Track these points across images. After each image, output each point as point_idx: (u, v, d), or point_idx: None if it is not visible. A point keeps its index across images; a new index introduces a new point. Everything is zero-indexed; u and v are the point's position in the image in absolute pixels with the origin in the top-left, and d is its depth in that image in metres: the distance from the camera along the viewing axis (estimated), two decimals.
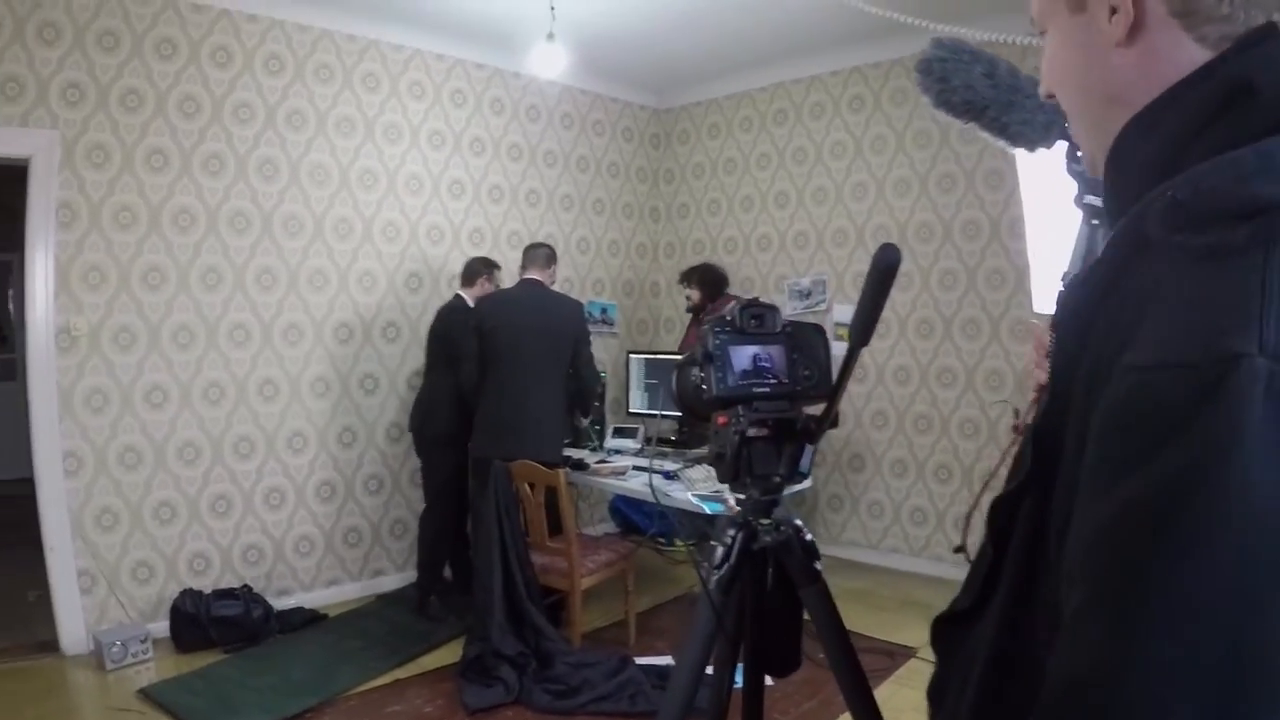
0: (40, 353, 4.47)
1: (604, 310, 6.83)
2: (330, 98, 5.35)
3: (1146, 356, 0.69)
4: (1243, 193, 0.69)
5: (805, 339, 1.67)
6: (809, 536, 1.70)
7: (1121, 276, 0.76)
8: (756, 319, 1.64)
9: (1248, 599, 0.63)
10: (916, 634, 4.69)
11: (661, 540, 6.52)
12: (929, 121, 5.65)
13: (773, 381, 1.62)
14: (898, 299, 5.78)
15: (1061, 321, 0.83)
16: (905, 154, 5.83)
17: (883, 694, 3.89)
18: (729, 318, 1.64)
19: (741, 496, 1.68)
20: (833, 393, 1.53)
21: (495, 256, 5.96)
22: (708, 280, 6.07)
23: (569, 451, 5.26)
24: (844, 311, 6.05)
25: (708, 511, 4.15)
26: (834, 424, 1.60)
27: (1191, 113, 0.80)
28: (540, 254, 4.98)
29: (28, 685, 4.28)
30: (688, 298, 6.09)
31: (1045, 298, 3.61)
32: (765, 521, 1.67)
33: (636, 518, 6.66)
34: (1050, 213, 3.22)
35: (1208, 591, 0.64)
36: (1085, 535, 0.73)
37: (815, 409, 1.65)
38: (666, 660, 4.48)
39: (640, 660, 4.42)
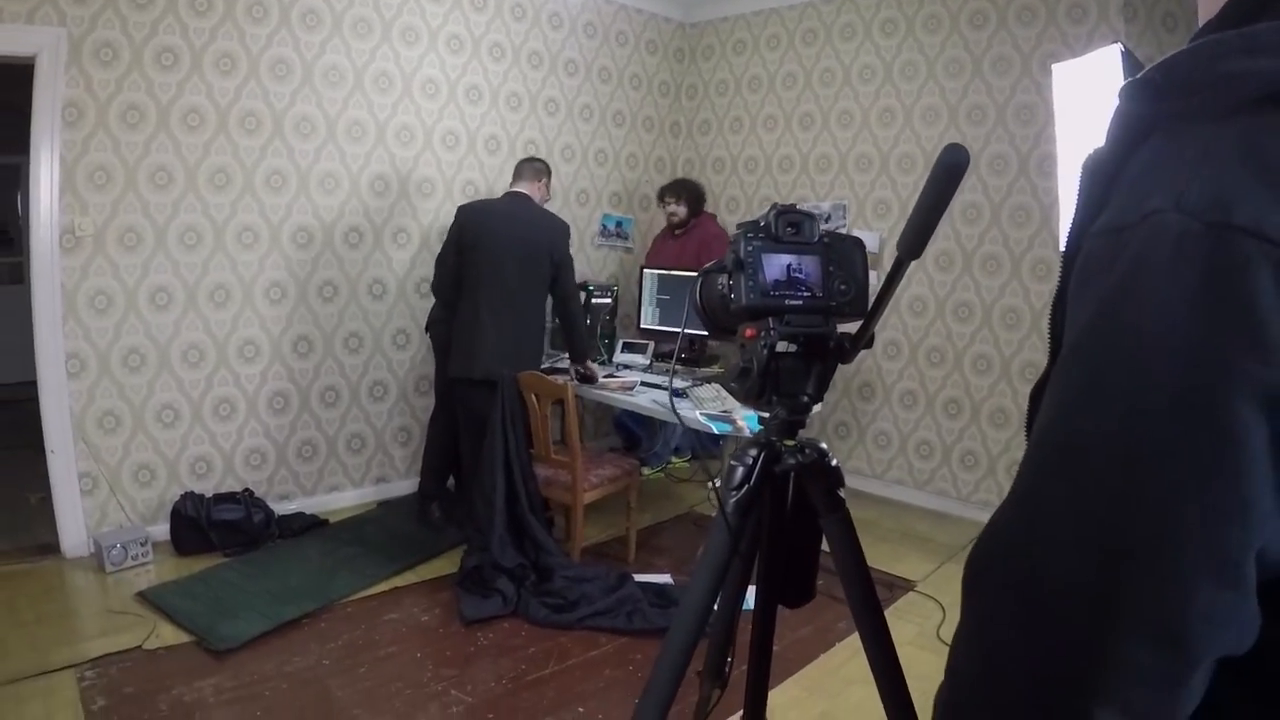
0: (44, 253, 4.41)
1: (619, 224, 6.72)
2: None
3: (1100, 223, 0.72)
4: (1213, 68, 0.70)
5: (843, 251, 1.56)
6: (834, 461, 1.61)
7: (1128, 160, 0.75)
8: (793, 226, 1.53)
9: (1129, 450, 0.66)
10: (916, 567, 4.70)
11: (642, 466, 6.48)
12: (962, 50, 5.51)
13: (806, 294, 1.51)
14: None
15: (1077, 203, 0.82)
16: (936, 82, 5.68)
17: None
18: (763, 223, 1.53)
19: (766, 415, 1.59)
20: (873, 308, 1.44)
21: (510, 165, 5.85)
22: (695, 195, 6.09)
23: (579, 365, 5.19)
24: (863, 238, 5.94)
25: (715, 431, 4.11)
26: (869, 344, 1.51)
27: (1227, 17, 0.77)
28: (530, 167, 4.88)
29: (28, 587, 4.30)
30: (673, 214, 6.05)
31: None
32: (789, 443, 1.59)
33: (641, 432, 6.64)
34: (1088, 149, 3.13)
35: (1095, 440, 0.67)
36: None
37: (849, 327, 1.56)
38: (665, 579, 4.50)
39: (639, 577, 4.44)
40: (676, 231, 6.10)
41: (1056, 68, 3.73)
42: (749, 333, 1.51)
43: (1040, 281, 5.26)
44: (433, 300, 5.36)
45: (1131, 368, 0.66)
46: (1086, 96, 3.33)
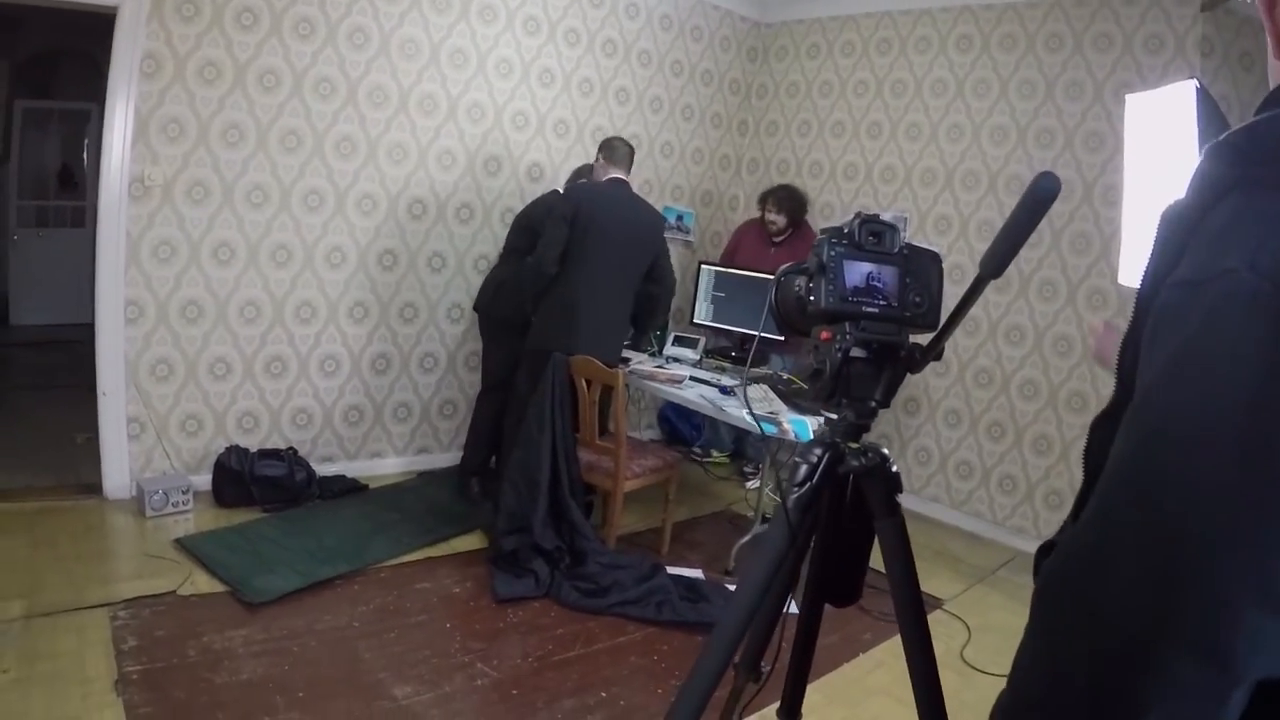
0: (112, 200, 4.48)
1: (680, 217, 6.74)
2: None
3: (1178, 274, 0.77)
4: None
5: (921, 265, 1.60)
6: (895, 468, 1.65)
7: (1206, 215, 0.80)
8: (875, 236, 1.57)
9: (1193, 488, 0.71)
10: (946, 586, 4.69)
11: (697, 454, 6.57)
12: (1036, 72, 5.48)
13: (883, 303, 1.56)
14: (977, 248, 5.66)
15: (1154, 250, 0.87)
16: (1007, 102, 5.64)
17: None
18: (846, 230, 1.57)
19: (834, 416, 1.63)
20: (948, 322, 1.46)
21: (577, 150, 5.90)
22: (795, 207, 6.02)
23: (627, 353, 5.25)
24: None
25: (761, 432, 4.13)
26: (938, 357, 1.54)
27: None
28: (626, 152, 4.82)
29: (68, 524, 4.39)
30: (772, 223, 5.99)
31: (1133, 270, 3.48)
32: (854, 445, 1.63)
33: (684, 429, 6.68)
34: (1154, 184, 3.08)
35: (1163, 478, 0.73)
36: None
37: (919, 338, 1.59)
38: (697, 573, 4.53)
39: (671, 570, 4.47)
40: (776, 239, 6.04)
41: (1130, 98, 3.69)
42: (824, 335, 1.56)
43: (1095, 311, 5.22)
44: (480, 280, 5.37)
45: (1201, 414, 0.71)
46: (1158, 130, 3.29)
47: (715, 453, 6.61)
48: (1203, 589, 0.70)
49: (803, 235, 6.05)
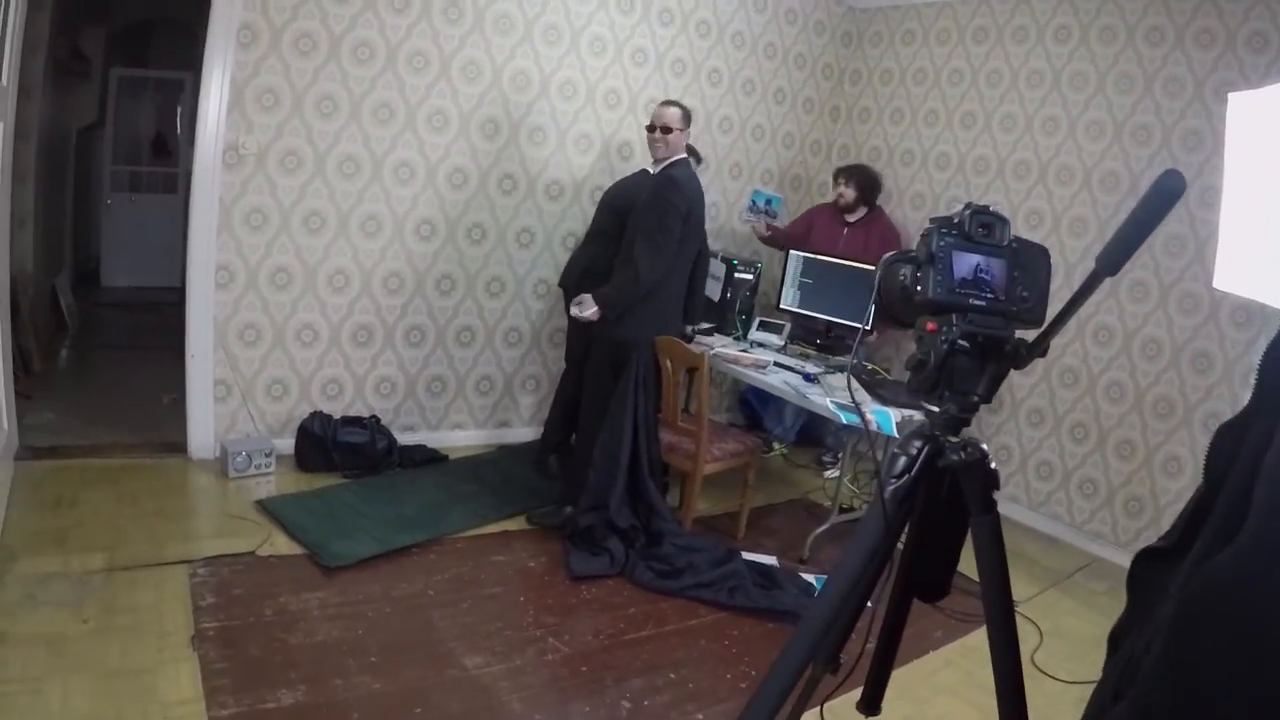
0: (207, 167, 4.58)
1: (769, 201, 6.64)
2: None
3: None
4: None
5: (1030, 259, 1.57)
6: (993, 465, 1.62)
7: None
8: (985, 228, 1.54)
9: None
10: (1020, 588, 4.47)
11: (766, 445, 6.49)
12: (1135, 66, 5.33)
13: (990, 296, 1.53)
14: (1069, 245, 5.54)
15: None
16: (1104, 96, 5.50)
17: (975, 640, 3.86)
18: (956, 220, 1.55)
19: (935, 409, 1.61)
20: (1058, 318, 1.43)
21: None
22: (866, 183, 5.98)
23: (708, 339, 5.26)
24: None
25: (844, 421, 4.08)
26: (1043, 353, 1.51)
27: None
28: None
29: (152, 481, 4.52)
30: (841, 196, 5.97)
31: (1229, 274, 3.37)
32: (954, 440, 1.60)
33: (764, 413, 6.62)
34: (1256, 186, 2.98)
35: None
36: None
37: (1024, 333, 1.56)
38: (771, 560, 4.51)
39: (746, 555, 4.44)
40: (848, 218, 6.02)
41: (1233, 96, 3.58)
42: (930, 326, 1.53)
43: (1186, 315, 5.07)
44: (566, 256, 5.37)
45: None
46: (1262, 131, 3.19)
47: (776, 445, 6.55)
48: None
49: (876, 219, 6.04)
